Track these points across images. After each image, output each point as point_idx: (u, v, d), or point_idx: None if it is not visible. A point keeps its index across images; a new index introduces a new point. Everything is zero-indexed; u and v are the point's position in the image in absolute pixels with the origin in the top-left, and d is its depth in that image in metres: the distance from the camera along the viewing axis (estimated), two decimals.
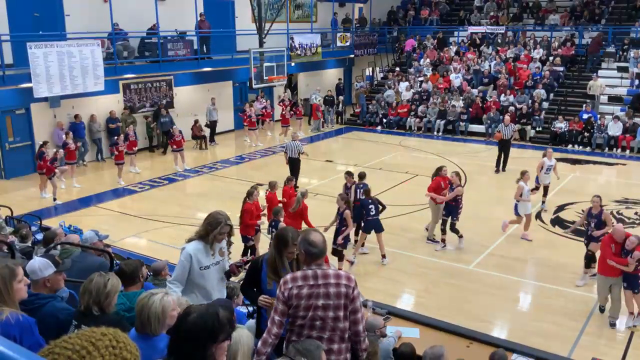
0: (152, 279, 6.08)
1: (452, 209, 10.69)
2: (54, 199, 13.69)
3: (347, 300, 3.57)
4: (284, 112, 21.04)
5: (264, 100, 21.76)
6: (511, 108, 20.36)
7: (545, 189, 12.84)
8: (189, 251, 4.52)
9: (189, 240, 4.59)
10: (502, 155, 16.09)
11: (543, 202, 12.95)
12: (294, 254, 4.03)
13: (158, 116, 18.92)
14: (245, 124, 19.94)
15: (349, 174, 11.13)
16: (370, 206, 9.94)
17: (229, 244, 4.67)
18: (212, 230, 4.47)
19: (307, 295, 3.54)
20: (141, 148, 18.03)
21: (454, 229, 10.71)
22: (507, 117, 16.86)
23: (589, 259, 9.26)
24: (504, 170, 15.97)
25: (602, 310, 8.30)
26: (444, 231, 10.71)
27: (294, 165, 14.44)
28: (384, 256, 10.10)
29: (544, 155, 12.67)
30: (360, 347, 3.72)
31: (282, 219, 9.27)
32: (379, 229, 10.02)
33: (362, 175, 11.05)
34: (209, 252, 4.54)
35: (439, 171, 11.07)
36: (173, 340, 2.40)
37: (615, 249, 7.72)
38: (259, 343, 3.61)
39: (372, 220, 9.95)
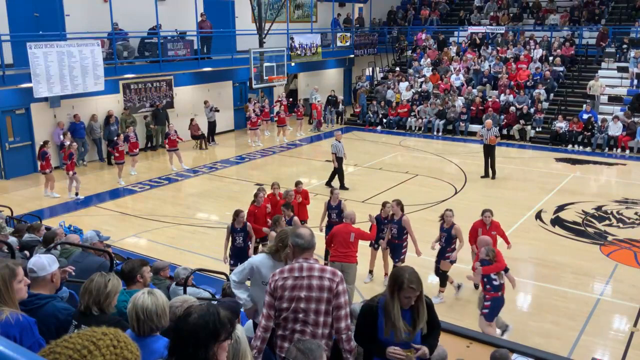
0: (152, 278, 6.07)
1: (396, 247, 8.89)
2: (76, 194, 13.99)
3: (331, 295, 3.58)
4: (278, 111, 20.93)
5: (256, 101, 21.74)
6: (512, 108, 20.39)
7: None
8: (252, 261, 4.37)
9: (262, 252, 4.43)
10: (489, 160, 15.40)
11: None
12: (411, 299, 3.45)
13: (157, 116, 18.93)
14: (248, 124, 20.01)
15: (292, 185, 10.42)
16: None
17: None
18: (283, 248, 4.12)
19: (291, 286, 3.61)
20: (141, 148, 18.02)
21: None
22: (488, 121, 16.00)
23: (442, 278, 8.77)
24: (493, 177, 15.36)
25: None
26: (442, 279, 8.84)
27: (340, 165, 14.31)
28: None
29: None
30: (343, 347, 3.64)
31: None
32: None
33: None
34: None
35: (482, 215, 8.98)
36: (174, 341, 2.39)
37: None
38: (261, 330, 3.70)
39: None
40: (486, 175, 15.50)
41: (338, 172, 14.32)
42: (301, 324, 3.60)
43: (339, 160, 14.18)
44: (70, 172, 13.74)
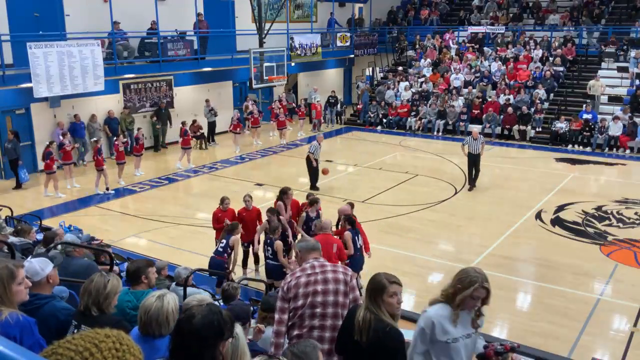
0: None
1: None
2: (107, 188, 14.37)
3: (347, 287, 3.71)
4: (277, 114, 20.52)
5: (255, 102, 21.73)
6: (509, 109, 20.39)
7: None
8: (430, 316, 3.45)
9: (432, 303, 3.56)
10: (473, 170, 14.41)
11: None
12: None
13: (158, 116, 18.92)
14: (246, 125, 20.02)
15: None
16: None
17: (478, 315, 3.48)
18: (461, 290, 3.38)
19: (304, 283, 3.68)
20: (149, 147, 18.10)
21: None
22: (475, 130, 15.25)
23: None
24: (474, 186, 14.43)
25: None
26: None
27: (310, 166, 14.19)
28: None
29: None
30: None
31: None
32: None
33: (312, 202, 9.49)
34: (457, 321, 3.42)
35: None
36: (176, 342, 2.38)
37: None
38: (273, 336, 3.73)
39: None
40: (470, 186, 14.64)
41: (313, 172, 14.18)
42: (320, 319, 3.63)
43: (315, 161, 14.12)
44: (104, 167, 14.19)
